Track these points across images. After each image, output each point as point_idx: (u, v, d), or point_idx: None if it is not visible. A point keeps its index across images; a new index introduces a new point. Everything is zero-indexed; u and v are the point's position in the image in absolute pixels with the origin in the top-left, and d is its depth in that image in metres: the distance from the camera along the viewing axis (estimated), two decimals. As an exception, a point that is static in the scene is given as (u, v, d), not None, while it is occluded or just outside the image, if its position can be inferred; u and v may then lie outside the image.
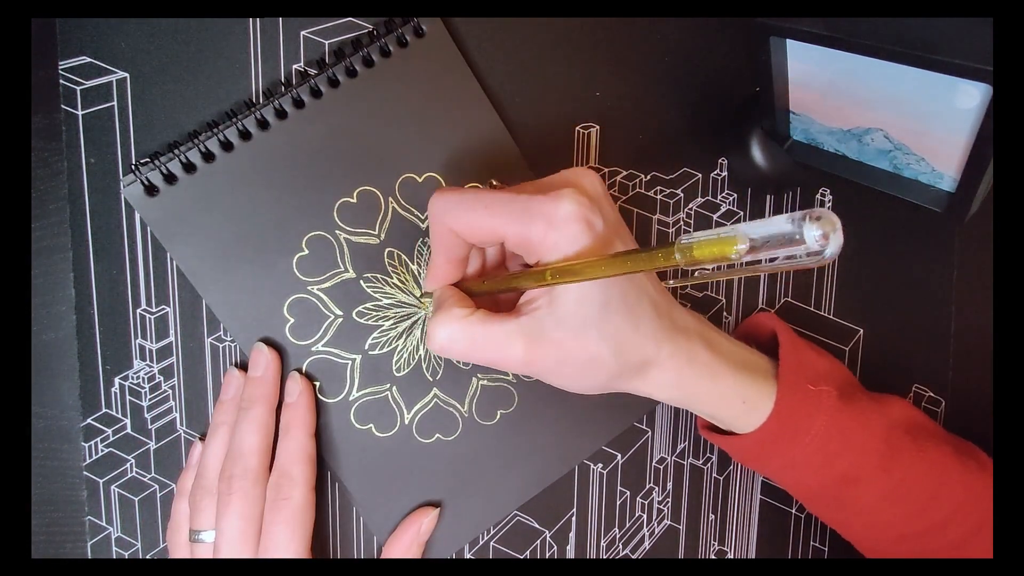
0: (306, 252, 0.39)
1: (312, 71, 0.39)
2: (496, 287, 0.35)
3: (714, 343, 0.36)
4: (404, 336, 0.41)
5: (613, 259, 0.29)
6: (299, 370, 0.40)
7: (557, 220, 0.31)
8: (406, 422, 0.41)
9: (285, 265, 0.39)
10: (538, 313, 0.33)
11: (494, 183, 0.41)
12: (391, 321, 0.41)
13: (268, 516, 0.37)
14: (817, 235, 0.23)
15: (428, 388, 0.41)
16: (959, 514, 0.38)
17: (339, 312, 0.40)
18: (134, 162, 0.38)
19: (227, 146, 0.38)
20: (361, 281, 0.40)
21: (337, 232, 0.40)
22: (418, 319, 0.41)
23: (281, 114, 0.38)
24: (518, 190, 0.33)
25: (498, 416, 0.42)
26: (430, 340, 0.34)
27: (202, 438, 0.41)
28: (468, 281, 0.36)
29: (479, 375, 0.42)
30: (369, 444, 0.41)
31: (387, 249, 0.40)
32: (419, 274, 0.41)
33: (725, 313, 0.45)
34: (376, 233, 0.40)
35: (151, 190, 0.37)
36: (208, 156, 0.38)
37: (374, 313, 0.41)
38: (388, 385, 0.41)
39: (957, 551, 0.38)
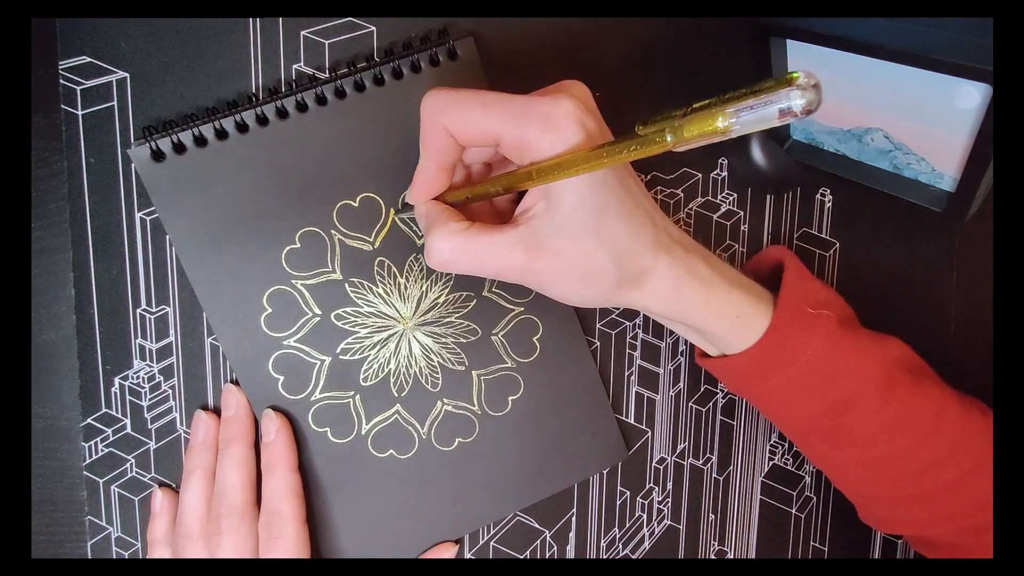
0: (298, 246, 0.39)
1: (342, 71, 0.39)
2: (481, 192, 0.34)
3: (712, 261, 0.36)
4: (378, 347, 0.41)
5: (603, 148, 0.28)
6: (273, 407, 0.40)
7: (555, 120, 0.31)
8: (363, 432, 0.41)
9: (274, 255, 0.39)
10: (535, 222, 0.32)
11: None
12: (368, 330, 0.40)
13: (264, 555, 0.37)
14: (800, 103, 0.23)
15: (392, 403, 0.41)
16: (958, 451, 0.37)
17: (318, 311, 0.40)
18: (146, 125, 0.38)
19: (242, 128, 0.38)
20: (346, 285, 0.40)
21: (332, 232, 0.40)
22: (395, 333, 0.41)
23: (302, 107, 0.38)
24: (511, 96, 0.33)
25: (456, 443, 0.42)
26: (431, 256, 0.33)
27: (162, 486, 0.41)
28: (451, 192, 0.35)
29: (445, 400, 0.42)
30: (322, 447, 0.41)
31: (379, 258, 0.40)
32: (405, 287, 0.41)
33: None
34: (371, 240, 0.40)
35: (158, 156, 0.37)
36: (221, 134, 0.38)
37: (353, 318, 0.40)
38: (352, 392, 0.41)
39: (955, 492, 0.37)
